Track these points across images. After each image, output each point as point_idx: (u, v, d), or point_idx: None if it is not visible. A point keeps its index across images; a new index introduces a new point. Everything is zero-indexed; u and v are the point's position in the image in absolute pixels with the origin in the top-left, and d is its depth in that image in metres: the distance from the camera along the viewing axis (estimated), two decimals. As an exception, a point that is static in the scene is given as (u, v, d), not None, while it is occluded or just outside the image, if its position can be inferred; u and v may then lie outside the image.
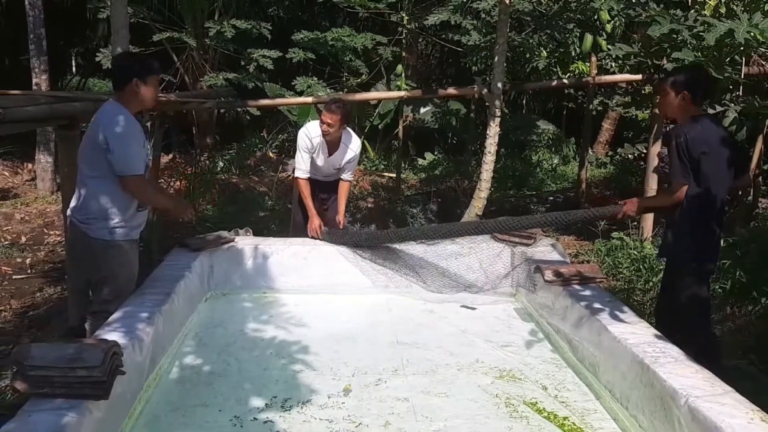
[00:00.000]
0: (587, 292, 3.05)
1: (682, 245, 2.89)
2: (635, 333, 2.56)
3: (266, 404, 2.53)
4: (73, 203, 2.98)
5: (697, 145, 2.76)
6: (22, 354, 2.03)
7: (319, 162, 4.20)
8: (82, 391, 2.00)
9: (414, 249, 3.94)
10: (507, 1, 4.59)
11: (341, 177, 4.32)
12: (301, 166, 4.18)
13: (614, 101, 8.19)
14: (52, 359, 2.01)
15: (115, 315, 2.64)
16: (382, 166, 9.20)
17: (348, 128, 4.22)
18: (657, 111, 3.02)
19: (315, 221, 4.12)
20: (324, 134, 4.05)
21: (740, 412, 1.97)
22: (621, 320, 2.69)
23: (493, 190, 6.66)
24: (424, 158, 9.76)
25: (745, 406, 2.00)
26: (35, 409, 1.91)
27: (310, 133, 4.13)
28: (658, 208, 2.98)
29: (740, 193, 5.63)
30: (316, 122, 4.18)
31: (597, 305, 2.85)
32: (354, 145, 4.24)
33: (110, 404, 2.11)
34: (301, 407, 2.52)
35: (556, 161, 10.02)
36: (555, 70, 7.91)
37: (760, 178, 5.82)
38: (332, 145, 4.17)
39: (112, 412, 2.17)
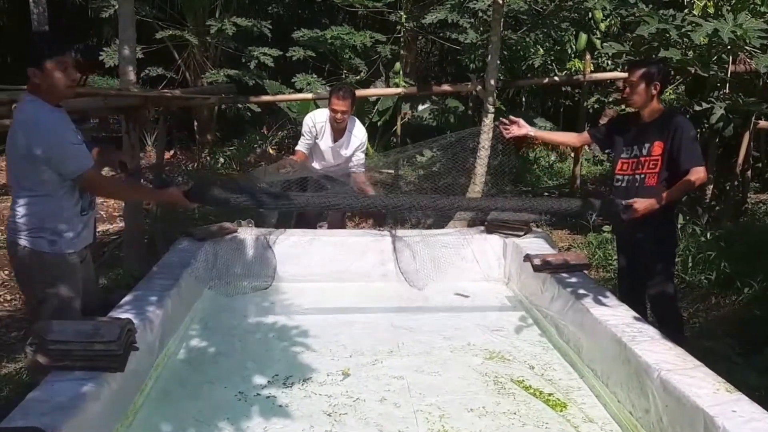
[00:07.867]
0: (573, 279, 3.20)
1: (668, 225, 3.18)
2: (616, 315, 2.71)
3: (269, 381, 2.68)
4: (10, 217, 2.53)
5: None
6: (44, 329, 2.17)
7: (323, 146, 4.26)
8: (99, 363, 2.13)
9: (409, 237, 4.11)
10: (500, 1, 4.73)
11: (351, 170, 4.39)
12: (300, 147, 4.32)
13: (611, 99, 8.32)
14: (72, 334, 2.15)
15: (127, 298, 2.80)
16: (381, 163, 9.34)
17: (353, 116, 4.31)
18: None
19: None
20: (338, 122, 4.16)
21: (707, 383, 2.11)
22: (603, 304, 2.84)
23: (490, 186, 6.79)
24: (423, 155, 9.89)
25: (713, 379, 2.15)
26: (57, 380, 2.06)
27: (315, 117, 4.27)
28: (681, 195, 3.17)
29: (727, 187, 5.79)
30: (323, 110, 4.29)
31: (582, 291, 3.00)
32: (359, 131, 4.34)
33: (124, 378, 2.26)
34: (302, 384, 2.67)
35: (552, 158, 10.16)
36: (551, 67, 8.05)
37: (749, 174, 5.96)
38: (338, 132, 4.26)
39: (126, 386, 2.32)
